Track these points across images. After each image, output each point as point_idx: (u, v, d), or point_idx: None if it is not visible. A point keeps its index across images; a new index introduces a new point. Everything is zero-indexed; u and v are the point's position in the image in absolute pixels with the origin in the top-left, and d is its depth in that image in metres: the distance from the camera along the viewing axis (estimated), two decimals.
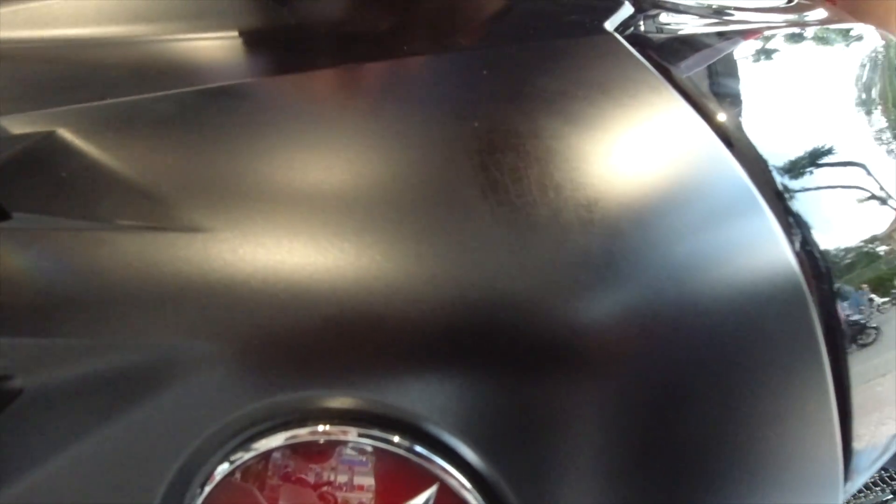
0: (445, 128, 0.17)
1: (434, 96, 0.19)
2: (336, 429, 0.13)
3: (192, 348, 0.13)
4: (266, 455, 0.14)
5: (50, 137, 0.17)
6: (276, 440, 0.13)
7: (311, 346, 0.13)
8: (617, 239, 0.14)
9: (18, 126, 0.18)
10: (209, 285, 0.13)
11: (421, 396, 0.13)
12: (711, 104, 0.18)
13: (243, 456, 0.14)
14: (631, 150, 0.16)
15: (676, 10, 0.28)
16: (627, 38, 0.22)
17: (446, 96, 0.19)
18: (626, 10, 0.25)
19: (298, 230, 0.14)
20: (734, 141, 0.17)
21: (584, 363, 0.13)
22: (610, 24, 0.23)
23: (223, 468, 0.14)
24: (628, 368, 0.14)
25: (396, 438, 0.13)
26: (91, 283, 0.13)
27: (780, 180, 0.17)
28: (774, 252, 0.16)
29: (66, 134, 0.17)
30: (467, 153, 0.16)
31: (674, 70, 0.19)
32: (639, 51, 0.20)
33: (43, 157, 0.17)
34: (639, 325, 0.14)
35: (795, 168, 0.18)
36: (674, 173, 0.16)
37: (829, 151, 0.19)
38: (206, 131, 0.17)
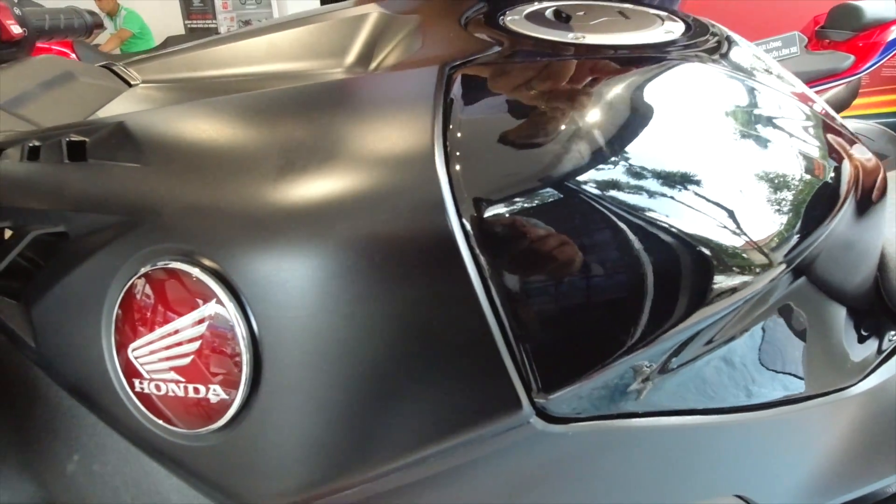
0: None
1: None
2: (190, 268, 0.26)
3: (135, 217, 0.27)
4: (147, 275, 0.27)
5: (119, 125, 0.33)
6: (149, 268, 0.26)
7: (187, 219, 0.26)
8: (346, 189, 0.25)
9: (111, 120, 0.35)
10: (140, 187, 0.27)
11: (237, 264, 0.25)
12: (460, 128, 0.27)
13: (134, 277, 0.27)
14: (379, 141, 0.27)
15: (544, 53, 0.36)
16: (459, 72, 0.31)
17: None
18: (494, 49, 0.34)
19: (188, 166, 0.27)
20: (452, 158, 0.26)
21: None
22: (450, 59, 0.32)
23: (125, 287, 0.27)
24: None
25: (212, 282, 0.25)
26: (102, 184, 0.28)
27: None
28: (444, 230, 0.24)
29: (127, 125, 0.33)
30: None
31: (457, 104, 0.28)
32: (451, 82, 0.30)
33: (110, 133, 0.33)
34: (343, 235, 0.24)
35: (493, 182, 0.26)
36: (397, 160, 0.26)
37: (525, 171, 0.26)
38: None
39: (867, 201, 0.43)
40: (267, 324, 0.25)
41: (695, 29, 0.39)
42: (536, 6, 0.44)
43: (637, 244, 0.27)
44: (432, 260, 0.24)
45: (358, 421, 0.26)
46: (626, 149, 0.28)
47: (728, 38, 0.39)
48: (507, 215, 0.25)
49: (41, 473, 0.35)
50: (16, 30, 0.67)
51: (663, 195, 0.28)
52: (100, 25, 0.91)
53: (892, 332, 0.50)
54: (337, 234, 0.24)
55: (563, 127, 0.27)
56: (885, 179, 0.44)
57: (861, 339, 0.49)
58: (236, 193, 0.26)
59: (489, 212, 0.25)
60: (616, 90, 0.29)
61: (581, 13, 0.42)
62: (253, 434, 0.26)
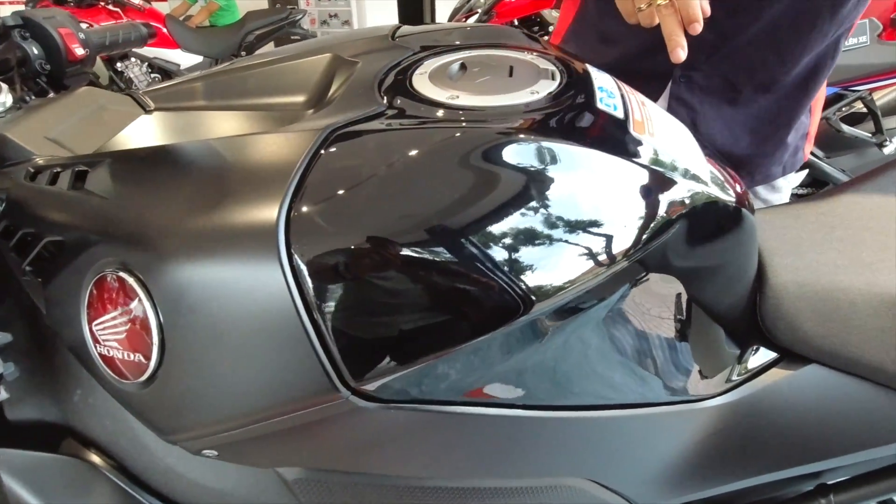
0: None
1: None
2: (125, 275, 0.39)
3: (100, 236, 0.40)
4: (103, 276, 0.40)
5: (106, 163, 0.47)
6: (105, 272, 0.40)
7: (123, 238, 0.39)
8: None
9: (105, 157, 0.49)
10: (104, 215, 0.41)
11: (151, 275, 0.37)
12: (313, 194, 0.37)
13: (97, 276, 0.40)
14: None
15: (419, 110, 0.45)
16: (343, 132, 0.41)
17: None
18: (377, 110, 0.44)
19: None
20: (296, 204, 0.36)
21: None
22: (336, 122, 0.42)
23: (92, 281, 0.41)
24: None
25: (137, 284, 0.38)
26: (85, 209, 0.43)
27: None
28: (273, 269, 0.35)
29: (108, 163, 0.47)
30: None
31: (319, 164, 0.39)
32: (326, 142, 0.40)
33: (100, 168, 0.46)
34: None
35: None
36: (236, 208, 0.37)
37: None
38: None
39: (725, 234, 0.49)
40: (169, 317, 0.37)
41: (561, 89, 0.46)
42: (451, 58, 0.53)
43: (438, 275, 0.37)
44: (263, 283, 0.35)
45: (223, 388, 0.38)
46: (435, 204, 0.37)
47: (585, 102, 0.46)
48: (327, 255, 0.36)
49: (60, 401, 0.51)
50: (79, 51, 0.83)
51: (464, 237, 0.37)
52: (154, 35, 1.07)
53: (762, 354, 0.55)
54: (203, 256, 0.36)
55: (381, 190, 0.37)
56: (740, 220, 0.49)
57: (729, 357, 0.55)
58: (151, 226, 0.38)
59: (313, 249, 0.36)
60: (434, 158, 0.39)
61: (476, 69, 0.50)
62: (162, 388, 0.39)
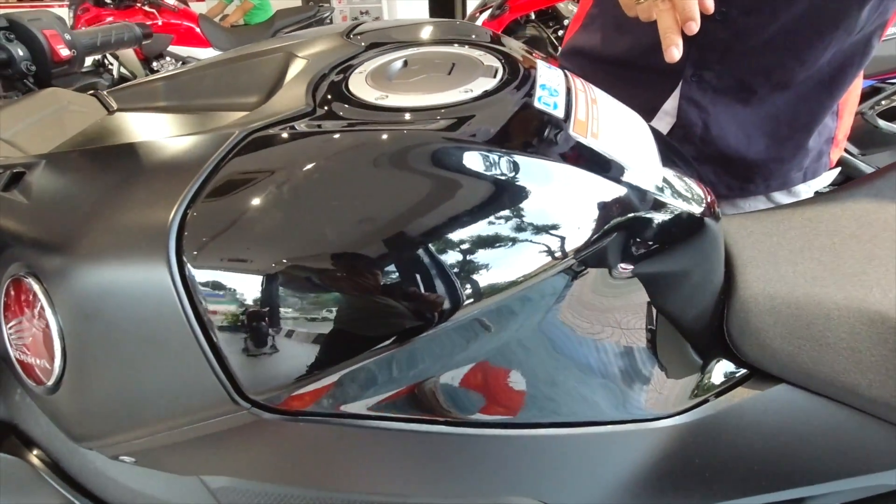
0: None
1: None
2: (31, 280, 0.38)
3: (15, 240, 0.40)
4: (14, 280, 0.40)
5: (40, 165, 0.47)
6: (14, 276, 0.39)
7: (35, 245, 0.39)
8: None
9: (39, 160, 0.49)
10: (20, 218, 0.40)
11: (51, 282, 0.37)
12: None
13: (9, 280, 0.40)
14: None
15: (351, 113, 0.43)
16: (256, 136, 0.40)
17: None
18: (304, 111, 0.42)
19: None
20: (192, 209, 0.35)
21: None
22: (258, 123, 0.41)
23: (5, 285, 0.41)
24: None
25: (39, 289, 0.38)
26: (8, 211, 0.42)
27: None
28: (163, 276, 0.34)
29: (40, 167, 0.47)
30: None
31: (225, 169, 0.37)
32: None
33: (34, 172, 0.46)
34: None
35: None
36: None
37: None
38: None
39: (677, 242, 0.45)
40: (68, 323, 0.37)
41: (497, 87, 0.44)
42: (395, 56, 0.51)
43: (339, 283, 0.35)
44: (154, 290, 0.34)
45: (125, 395, 0.37)
46: (337, 211, 0.35)
47: (520, 101, 0.43)
48: (221, 263, 0.34)
49: (4, 399, 0.51)
50: (64, 52, 0.84)
51: (368, 244, 0.35)
52: (149, 35, 1.08)
53: (728, 371, 0.51)
54: (101, 263, 0.35)
55: (283, 196, 0.36)
56: (697, 227, 0.45)
57: (692, 374, 0.51)
58: (54, 231, 0.38)
59: (207, 256, 0.34)
60: (340, 163, 0.37)
61: (416, 67, 0.48)
62: (68, 394, 0.38)
